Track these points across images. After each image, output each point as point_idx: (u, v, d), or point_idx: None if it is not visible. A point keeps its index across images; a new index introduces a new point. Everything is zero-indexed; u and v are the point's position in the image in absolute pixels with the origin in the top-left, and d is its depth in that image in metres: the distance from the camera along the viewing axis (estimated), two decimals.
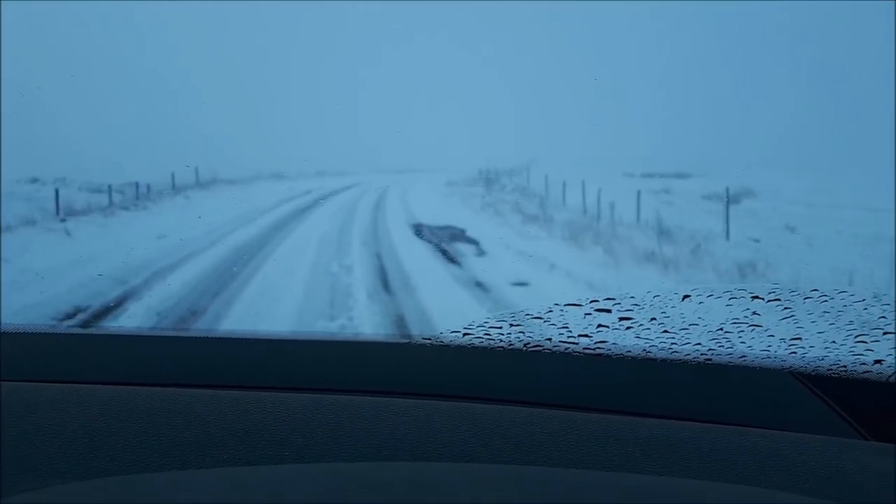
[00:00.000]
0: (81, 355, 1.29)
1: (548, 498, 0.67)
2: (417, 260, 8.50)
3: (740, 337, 1.19)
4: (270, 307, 5.92)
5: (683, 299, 1.28)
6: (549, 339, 1.21)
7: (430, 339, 1.24)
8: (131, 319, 5.50)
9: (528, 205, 14.80)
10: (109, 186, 13.56)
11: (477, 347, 1.21)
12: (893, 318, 1.14)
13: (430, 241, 10.18)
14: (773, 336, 1.18)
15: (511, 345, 1.20)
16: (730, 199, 11.97)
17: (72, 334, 1.43)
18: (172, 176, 15.61)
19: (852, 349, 1.12)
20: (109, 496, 0.70)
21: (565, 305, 1.27)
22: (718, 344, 1.17)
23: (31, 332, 1.43)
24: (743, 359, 1.13)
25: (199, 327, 5.43)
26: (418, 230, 11.24)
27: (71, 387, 1.00)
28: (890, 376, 1.06)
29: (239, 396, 0.96)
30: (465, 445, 0.84)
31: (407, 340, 1.30)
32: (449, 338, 1.23)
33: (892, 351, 1.10)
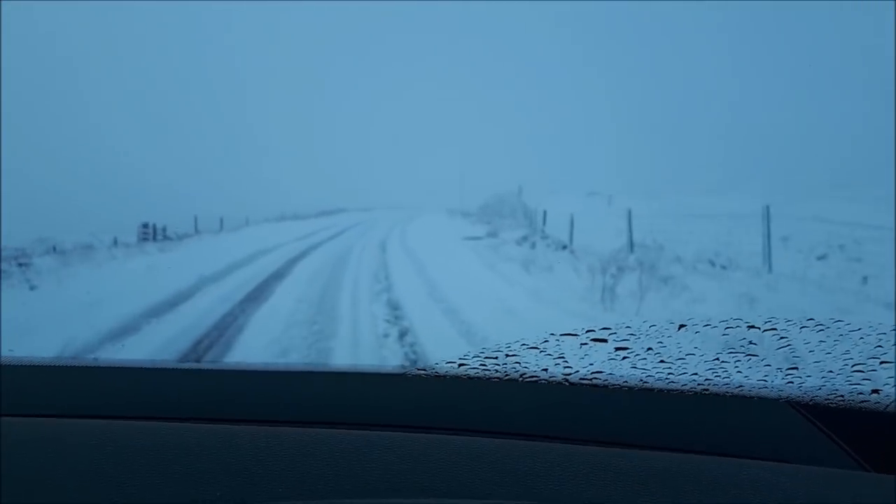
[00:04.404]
0: (64, 387, 1.26)
1: None
2: None
3: (737, 367, 1.18)
4: None
5: (679, 329, 1.28)
6: (546, 370, 1.20)
7: (424, 369, 1.22)
8: None
9: None
10: None
11: (472, 378, 1.19)
12: (892, 345, 1.14)
13: None
14: (769, 366, 1.18)
15: (507, 375, 1.19)
16: None
17: (52, 366, 1.40)
18: None
19: (849, 378, 1.12)
20: None
21: (561, 335, 1.26)
22: (715, 374, 1.16)
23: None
24: (740, 388, 1.13)
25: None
26: None
27: (49, 420, 0.98)
28: (888, 406, 1.06)
29: (232, 430, 0.95)
30: (462, 479, 0.83)
31: (402, 371, 1.29)
32: (444, 369, 1.22)
33: (890, 381, 1.09)
